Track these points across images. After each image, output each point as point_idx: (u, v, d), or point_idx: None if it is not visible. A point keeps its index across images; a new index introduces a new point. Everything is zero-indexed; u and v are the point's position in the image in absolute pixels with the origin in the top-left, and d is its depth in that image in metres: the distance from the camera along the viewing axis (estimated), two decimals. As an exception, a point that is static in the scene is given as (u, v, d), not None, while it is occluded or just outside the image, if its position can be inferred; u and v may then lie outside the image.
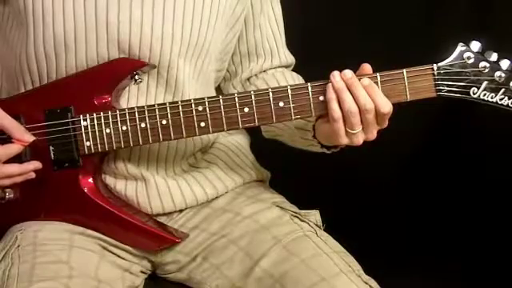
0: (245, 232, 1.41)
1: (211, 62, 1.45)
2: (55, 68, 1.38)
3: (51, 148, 1.36)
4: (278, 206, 1.45)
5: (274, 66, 1.55)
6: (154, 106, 1.34)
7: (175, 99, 1.40)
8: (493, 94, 1.29)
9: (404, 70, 1.30)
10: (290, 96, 1.32)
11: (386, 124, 1.31)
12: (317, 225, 1.43)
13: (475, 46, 1.30)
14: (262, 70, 1.54)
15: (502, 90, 1.29)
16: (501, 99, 1.29)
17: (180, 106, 1.33)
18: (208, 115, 1.33)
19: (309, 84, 1.32)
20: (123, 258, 1.42)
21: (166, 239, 1.41)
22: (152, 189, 1.43)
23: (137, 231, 1.40)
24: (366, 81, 1.29)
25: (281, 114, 1.32)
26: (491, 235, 2.09)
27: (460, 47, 1.30)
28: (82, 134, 1.35)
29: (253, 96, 1.32)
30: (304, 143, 1.44)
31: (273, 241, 1.37)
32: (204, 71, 1.44)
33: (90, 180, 1.38)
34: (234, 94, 1.33)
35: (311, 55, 1.80)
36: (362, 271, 1.34)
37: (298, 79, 1.54)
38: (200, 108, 1.33)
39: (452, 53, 1.30)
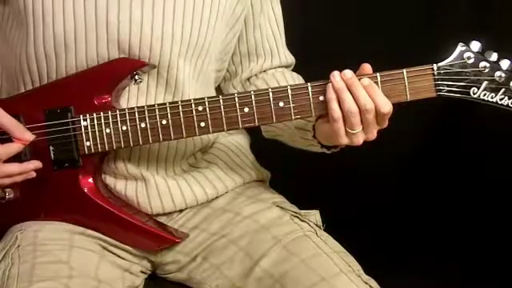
0: (245, 232, 1.41)
1: (211, 62, 1.45)
2: (55, 68, 1.38)
3: (51, 148, 1.36)
4: (278, 205, 1.45)
5: (274, 66, 1.55)
6: (154, 106, 1.34)
7: (175, 99, 1.40)
8: (493, 94, 1.29)
9: (404, 70, 1.30)
10: (290, 96, 1.32)
11: (386, 124, 1.31)
12: (317, 225, 1.43)
13: (475, 46, 1.30)
14: (262, 70, 1.54)
15: (502, 89, 1.29)
16: (501, 99, 1.29)
17: (180, 106, 1.33)
18: (208, 115, 1.33)
19: (309, 84, 1.32)
20: (123, 258, 1.42)
21: (166, 239, 1.41)
22: (152, 189, 1.43)
23: (137, 231, 1.40)
24: (366, 81, 1.29)
25: (281, 114, 1.32)
26: (491, 235, 2.09)
27: (460, 47, 1.30)
28: (81, 133, 1.35)
29: (253, 96, 1.32)
30: (304, 143, 1.44)
31: (273, 241, 1.37)
32: (204, 71, 1.44)
33: (90, 180, 1.38)
34: (234, 94, 1.33)
35: (311, 55, 1.80)
36: (362, 271, 1.34)
37: (298, 79, 1.54)
38: (200, 108, 1.33)
39: (452, 53, 1.30)
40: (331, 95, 1.29)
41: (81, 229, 1.39)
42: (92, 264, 1.36)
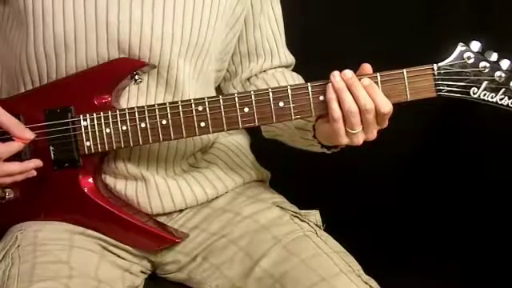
0: (245, 232, 1.41)
1: (211, 62, 1.45)
2: (55, 68, 1.38)
3: (51, 148, 1.36)
4: (278, 205, 1.45)
5: (274, 66, 1.55)
6: (153, 106, 1.34)
7: (175, 99, 1.40)
8: (493, 94, 1.29)
9: (404, 70, 1.30)
10: (290, 96, 1.32)
11: (386, 124, 1.31)
12: (317, 225, 1.43)
13: (475, 45, 1.30)
14: (262, 69, 1.54)
15: (502, 89, 1.29)
16: (501, 99, 1.29)
17: (180, 106, 1.33)
18: (208, 115, 1.33)
19: (309, 84, 1.32)
20: (123, 258, 1.42)
21: (165, 239, 1.41)
22: (152, 189, 1.43)
23: (137, 231, 1.40)
24: (366, 81, 1.29)
25: (281, 114, 1.32)
26: (491, 235, 2.09)
27: (460, 47, 1.30)
28: (82, 133, 1.35)
29: (253, 96, 1.32)
30: (304, 143, 1.44)
31: (273, 241, 1.37)
32: (204, 71, 1.44)
33: (90, 180, 1.38)
34: (233, 94, 1.33)
35: (311, 55, 1.80)
36: (362, 271, 1.34)
37: (298, 79, 1.54)
38: (200, 108, 1.33)
39: (452, 53, 1.30)
40: (331, 95, 1.29)
41: (81, 229, 1.39)
42: (92, 264, 1.36)
